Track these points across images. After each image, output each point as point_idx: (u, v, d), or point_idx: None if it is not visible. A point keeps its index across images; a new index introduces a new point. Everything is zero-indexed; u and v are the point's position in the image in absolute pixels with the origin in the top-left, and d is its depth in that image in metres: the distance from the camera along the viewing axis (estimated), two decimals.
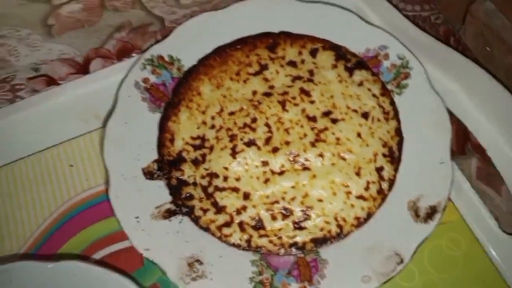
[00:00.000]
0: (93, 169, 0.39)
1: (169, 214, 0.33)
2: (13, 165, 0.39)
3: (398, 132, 0.35)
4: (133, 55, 0.40)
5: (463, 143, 0.37)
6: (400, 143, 0.35)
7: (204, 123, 0.37)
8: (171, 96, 0.38)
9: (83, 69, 0.39)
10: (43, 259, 0.30)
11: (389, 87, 0.37)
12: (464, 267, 0.33)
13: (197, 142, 0.36)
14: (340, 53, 0.38)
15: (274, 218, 0.33)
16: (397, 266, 0.29)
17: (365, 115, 0.35)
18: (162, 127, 0.37)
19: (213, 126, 0.36)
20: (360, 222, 0.32)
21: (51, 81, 0.38)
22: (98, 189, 0.38)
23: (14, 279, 0.30)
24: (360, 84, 0.37)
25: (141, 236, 0.31)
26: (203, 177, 0.34)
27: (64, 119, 0.40)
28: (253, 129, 0.35)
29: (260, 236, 0.32)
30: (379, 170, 0.34)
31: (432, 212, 0.31)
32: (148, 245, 0.31)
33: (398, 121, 0.36)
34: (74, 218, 0.36)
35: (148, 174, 0.35)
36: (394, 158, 0.34)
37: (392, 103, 0.36)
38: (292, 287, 0.30)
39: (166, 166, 0.35)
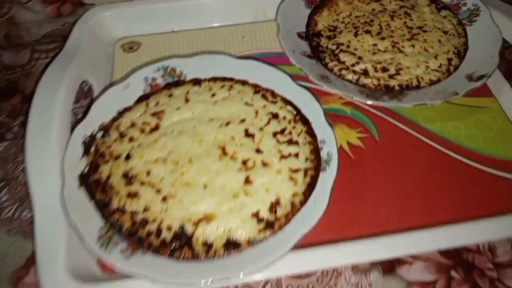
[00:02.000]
0: (255, 38, 0.60)
1: (308, 57, 0.53)
2: (204, 30, 0.61)
3: (466, 44, 0.53)
4: None
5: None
6: (465, 50, 0.53)
7: (337, 20, 0.57)
8: (319, 2, 0.59)
9: None
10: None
11: (464, 21, 0.56)
12: (496, 130, 0.49)
13: (331, 28, 0.56)
14: None
15: (376, 70, 0.51)
16: (453, 96, 0.46)
17: (445, 32, 0.54)
18: (311, 17, 0.58)
19: (343, 22, 0.57)
20: (432, 82, 0.50)
21: None
22: (259, 50, 0.58)
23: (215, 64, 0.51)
24: (444, 17, 0.56)
25: (294, 57, 0.51)
26: (333, 44, 0.54)
27: (241, 9, 0.61)
28: (370, 25, 0.55)
29: (366, 77, 0.51)
30: (449, 59, 0.52)
31: (481, 77, 0.48)
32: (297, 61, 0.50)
33: (466, 39, 0.54)
34: None
35: (299, 36, 0.55)
36: (460, 55, 0.52)
37: (464, 29, 0.55)
38: (384, 99, 0.47)
39: (311, 35, 0.55)
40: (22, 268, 0.42)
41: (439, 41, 0.53)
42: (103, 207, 0.41)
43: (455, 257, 0.42)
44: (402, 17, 0.55)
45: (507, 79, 0.53)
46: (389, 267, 0.41)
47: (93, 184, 0.42)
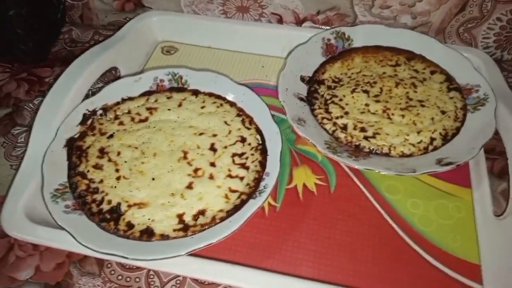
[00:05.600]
0: (273, 71, 0.65)
1: (300, 99, 0.57)
2: (234, 53, 0.68)
3: (458, 129, 0.53)
4: (326, 27, 0.66)
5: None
6: (454, 134, 0.52)
7: (345, 74, 0.60)
8: (336, 54, 0.62)
9: (298, 21, 0.67)
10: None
11: (468, 107, 0.55)
12: (455, 221, 0.48)
13: (336, 79, 0.59)
14: (449, 78, 0.58)
15: (355, 128, 0.53)
16: (409, 172, 0.46)
17: (443, 112, 0.54)
18: (322, 65, 0.61)
19: (349, 77, 0.59)
20: (403, 155, 0.50)
21: (280, 21, 0.67)
22: (270, 82, 0.63)
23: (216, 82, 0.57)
24: (451, 98, 0.56)
25: (283, 95, 0.55)
26: (328, 94, 0.57)
27: (272, 42, 0.67)
28: (372, 86, 0.57)
29: (341, 132, 0.53)
30: (432, 139, 0.52)
31: (448, 164, 0.47)
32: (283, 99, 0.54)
33: (462, 125, 0.53)
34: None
35: (302, 79, 0.59)
36: (446, 138, 0.52)
37: (464, 115, 0.54)
38: (342, 155, 0.49)
39: (312, 81, 0.59)
40: (4, 196, 0.52)
41: (432, 119, 0.53)
42: (72, 168, 0.49)
43: None
44: (407, 87, 0.56)
45: (498, 178, 0.51)
46: None
47: (74, 148, 0.51)
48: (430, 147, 0.51)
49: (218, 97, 0.56)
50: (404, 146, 0.51)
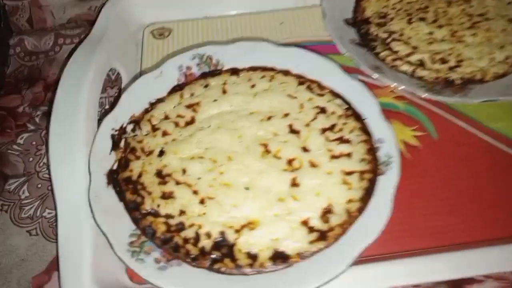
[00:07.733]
0: (295, 25, 0.54)
1: (358, 45, 0.48)
2: (239, 17, 0.56)
3: None
4: None
5: None
6: None
7: (387, 6, 0.52)
8: None
9: None
10: None
11: None
12: None
13: (381, 15, 0.51)
14: None
15: (433, 61, 0.46)
16: None
17: (510, 20, 0.49)
18: (357, 3, 0.52)
19: (393, 8, 0.51)
20: (498, 76, 0.45)
21: None
22: (300, 38, 0.53)
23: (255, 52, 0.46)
24: (509, 3, 0.50)
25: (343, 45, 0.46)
26: (384, 32, 0.49)
27: None
28: (425, 12, 0.50)
29: (422, 69, 0.45)
30: None
31: None
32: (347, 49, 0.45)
33: None
34: None
35: (346, 22, 0.50)
36: None
37: None
38: (447, 93, 0.42)
39: (359, 22, 0.50)
40: (43, 273, 0.38)
41: (504, 30, 0.47)
42: (134, 209, 0.36)
43: None
44: (461, 3, 0.50)
45: None
46: (456, 286, 0.36)
47: (123, 182, 0.38)
48: None
49: (264, 69, 0.45)
50: (494, 67, 0.45)
